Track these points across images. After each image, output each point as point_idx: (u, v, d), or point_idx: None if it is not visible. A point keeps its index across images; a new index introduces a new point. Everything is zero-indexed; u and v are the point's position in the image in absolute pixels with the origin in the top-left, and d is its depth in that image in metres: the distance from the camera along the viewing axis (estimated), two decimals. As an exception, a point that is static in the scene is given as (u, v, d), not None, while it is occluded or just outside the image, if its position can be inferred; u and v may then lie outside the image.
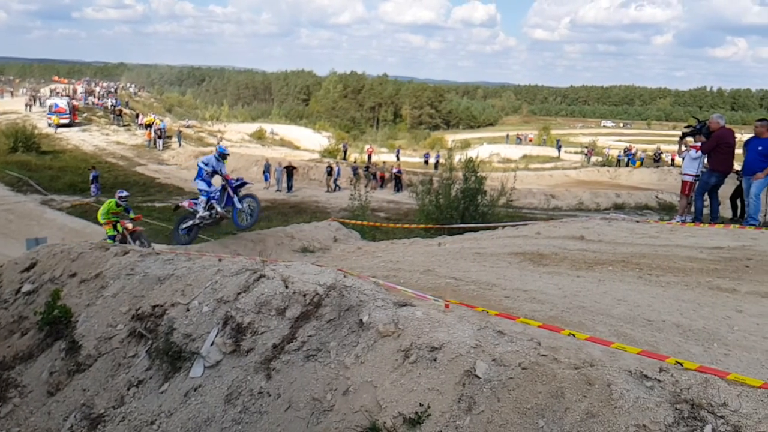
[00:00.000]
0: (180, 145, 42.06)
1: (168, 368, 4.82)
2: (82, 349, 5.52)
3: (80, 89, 66.78)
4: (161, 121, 46.49)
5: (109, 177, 30.02)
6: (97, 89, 69.43)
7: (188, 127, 52.19)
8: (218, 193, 11.75)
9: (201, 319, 5.03)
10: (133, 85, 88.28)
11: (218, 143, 45.87)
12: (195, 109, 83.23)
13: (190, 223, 12.06)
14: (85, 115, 49.37)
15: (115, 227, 12.49)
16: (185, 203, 12.41)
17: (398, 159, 48.62)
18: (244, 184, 12.19)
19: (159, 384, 4.79)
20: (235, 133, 55.90)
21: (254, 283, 5.09)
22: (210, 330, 4.85)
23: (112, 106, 53.25)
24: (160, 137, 41.56)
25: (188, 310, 5.21)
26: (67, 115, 44.14)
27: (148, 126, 43.70)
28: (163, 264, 6.38)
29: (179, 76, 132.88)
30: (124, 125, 48.29)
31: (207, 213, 11.77)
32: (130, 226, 12.73)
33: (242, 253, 9.94)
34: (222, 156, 12.01)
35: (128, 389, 4.91)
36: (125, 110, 53.64)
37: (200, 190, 11.86)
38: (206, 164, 11.83)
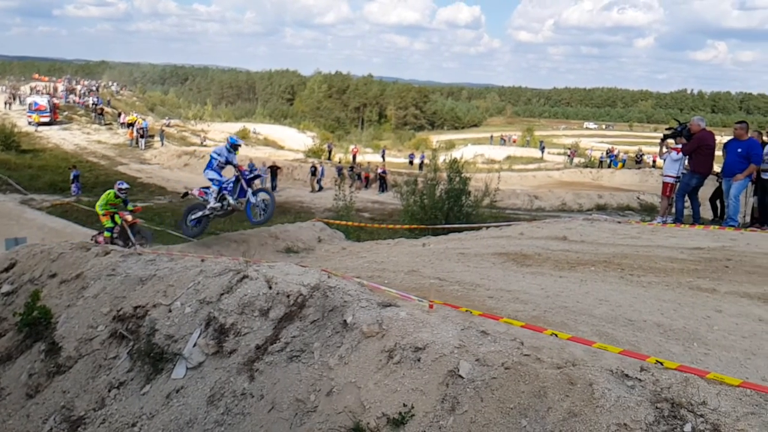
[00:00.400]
0: (162, 144, 41.73)
1: (150, 370, 4.78)
2: (62, 351, 5.45)
3: (61, 87, 65.91)
4: (143, 120, 46.08)
5: (90, 176, 29.68)
6: (78, 87, 68.55)
7: (169, 126, 51.64)
8: (231, 185, 11.30)
9: (183, 320, 4.99)
10: (115, 84, 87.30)
11: (201, 143, 45.65)
12: (178, 108, 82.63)
13: (200, 214, 11.54)
14: (65, 113, 48.78)
15: (113, 219, 12.13)
16: (195, 191, 11.85)
17: (384, 159, 48.57)
18: (258, 176, 11.84)
19: (140, 386, 4.74)
20: (219, 132, 55.56)
21: (237, 283, 5.06)
22: (192, 331, 4.82)
23: (93, 104, 52.66)
24: (142, 136, 41.19)
25: (170, 311, 5.17)
26: (48, 114, 43.62)
27: (131, 125, 43.29)
28: (144, 264, 6.32)
29: (162, 75, 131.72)
30: (106, 124, 47.80)
31: (218, 204, 11.28)
32: (129, 218, 12.25)
33: (225, 254, 9.87)
34: (233, 147, 11.63)
35: (109, 391, 4.86)
36: (107, 109, 53.10)
37: (211, 180, 11.41)
38: (219, 154, 11.48)
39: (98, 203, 12.40)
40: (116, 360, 5.13)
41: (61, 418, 4.83)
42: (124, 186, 12.52)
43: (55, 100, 49.95)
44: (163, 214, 22.04)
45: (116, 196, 12.32)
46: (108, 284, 6.04)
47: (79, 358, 5.34)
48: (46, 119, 43.27)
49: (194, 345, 4.67)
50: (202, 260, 6.17)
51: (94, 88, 70.54)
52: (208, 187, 11.53)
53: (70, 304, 6.02)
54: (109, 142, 41.84)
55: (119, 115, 49.93)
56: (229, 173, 11.61)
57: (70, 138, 41.71)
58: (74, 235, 16.06)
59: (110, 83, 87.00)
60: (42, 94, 54.94)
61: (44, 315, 5.86)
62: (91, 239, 12.82)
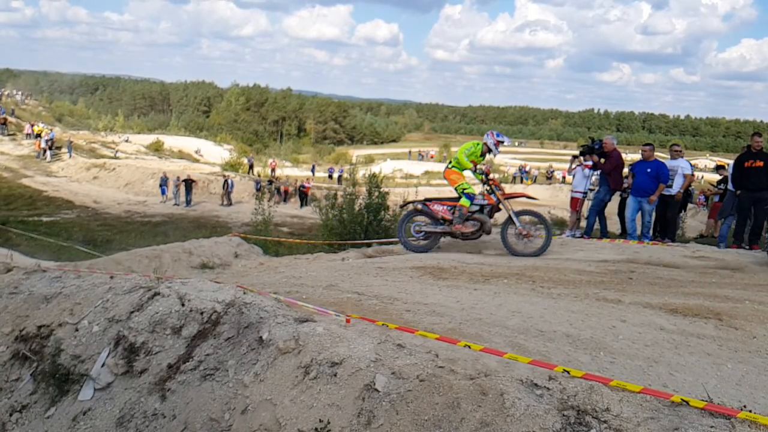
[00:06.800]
0: (70, 156, 39.63)
1: (55, 392, 4.53)
2: (-47, 376, 5.05)
3: (-42, 95, 61.32)
4: (50, 130, 43.62)
5: (-10, 189, 27.82)
6: (-22, 96, 63.98)
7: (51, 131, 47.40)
8: None
9: (91, 339, 4.76)
10: (19, 93, 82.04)
11: (114, 155, 43.69)
12: (87, 119, 78.65)
13: None
14: (-38, 122, 45.36)
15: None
16: None
17: (314, 174, 48.65)
18: None
19: (45, 409, 4.49)
20: (131, 144, 53.42)
21: (148, 301, 4.87)
22: (101, 350, 4.60)
23: (-5, 114, 49.24)
24: (50, 147, 39.01)
25: (77, 330, 4.92)
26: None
27: (38, 135, 40.91)
28: (49, 282, 5.99)
29: (71, 85, 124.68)
30: (9, 134, 44.86)
31: None
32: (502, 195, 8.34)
33: (136, 270, 9.47)
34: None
35: (10, 415, 4.57)
36: (10, 119, 49.80)
37: None
38: None
39: (459, 152, 8.59)
40: (18, 382, 4.84)
41: (-49, 449, 4.48)
42: (506, 141, 8.61)
43: (-48, 108, 46.37)
44: (70, 230, 20.90)
45: (482, 154, 8.45)
46: (10, 303, 5.68)
47: (-26, 383, 4.98)
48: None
49: (102, 365, 4.46)
50: (111, 277, 5.90)
51: (-4, 97, 66.00)
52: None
53: (-38, 326, 5.60)
54: (13, 154, 39.27)
55: (31, 125, 46.80)
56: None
57: (-32, 149, 38.91)
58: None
59: (14, 92, 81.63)
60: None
61: (-68, 338, 5.40)
62: (412, 207, 8.62)
